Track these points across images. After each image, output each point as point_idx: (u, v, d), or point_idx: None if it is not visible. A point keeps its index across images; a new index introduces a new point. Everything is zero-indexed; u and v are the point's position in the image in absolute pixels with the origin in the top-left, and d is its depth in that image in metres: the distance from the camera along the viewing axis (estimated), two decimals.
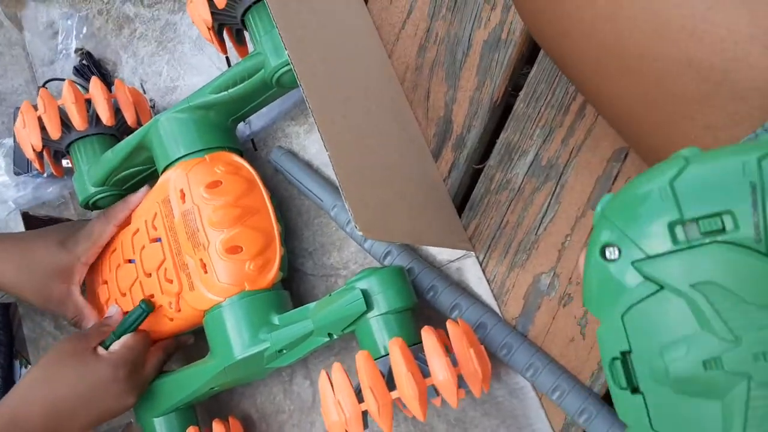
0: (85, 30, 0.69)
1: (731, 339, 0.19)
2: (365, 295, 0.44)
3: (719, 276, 0.20)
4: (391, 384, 0.41)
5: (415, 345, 0.44)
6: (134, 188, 0.56)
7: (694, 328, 0.20)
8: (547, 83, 0.47)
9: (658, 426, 0.21)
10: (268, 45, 0.49)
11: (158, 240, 0.51)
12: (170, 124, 0.52)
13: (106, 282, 0.55)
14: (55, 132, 0.55)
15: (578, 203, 0.45)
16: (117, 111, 0.57)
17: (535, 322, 0.46)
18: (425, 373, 0.41)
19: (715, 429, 0.20)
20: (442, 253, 0.50)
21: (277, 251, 0.50)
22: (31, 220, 0.63)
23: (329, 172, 0.56)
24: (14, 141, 0.63)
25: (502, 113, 0.51)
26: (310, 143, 0.57)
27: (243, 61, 0.51)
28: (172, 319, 0.51)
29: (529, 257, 0.46)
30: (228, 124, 0.54)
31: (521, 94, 0.49)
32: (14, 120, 0.61)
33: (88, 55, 0.68)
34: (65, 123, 0.56)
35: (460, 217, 0.50)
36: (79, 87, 0.60)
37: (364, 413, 0.41)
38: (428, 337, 0.41)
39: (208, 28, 0.52)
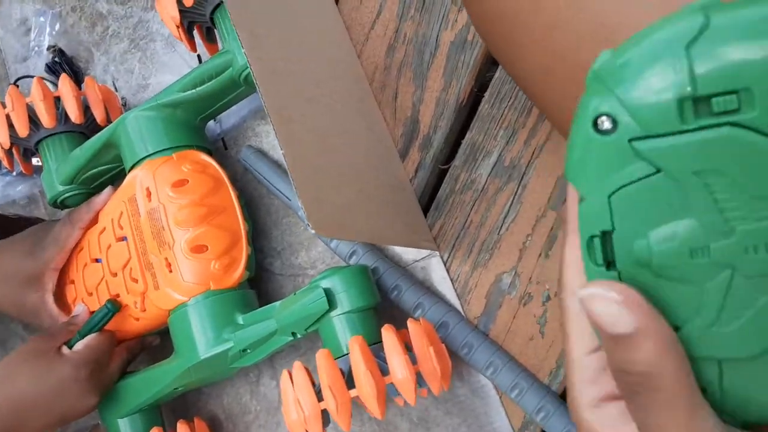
0: (58, 27, 0.69)
1: (724, 230, 0.18)
2: (328, 293, 0.44)
3: (726, 164, 0.18)
4: (351, 382, 0.41)
5: (376, 344, 0.44)
6: (102, 187, 0.56)
7: (687, 216, 0.18)
8: (510, 85, 0.48)
9: None
10: (236, 43, 0.49)
11: (124, 239, 0.51)
12: (138, 122, 0.52)
13: (73, 281, 0.55)
14: (23, 130, 0.55)
15: (539, 204, 0.46)
16: (87, 109, 0.57)
17: (496, 321, 0.46)
18: (384, 371, 0.41)
19: (688, 311, 0.19)
20: (407, 253, 0.50)
21: (244, 250, 0.50)
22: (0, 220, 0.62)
23: None
24: None
25: (467, 114, 0.51)
26: None
27: (211, 59, 0.51)
28: (138, 319, 0.51)
29: (491, 257, 0.47)
30: (196, 123, 0.54)
31: (486, 95, 0.49)
32: None
33: (60, 52, 0.67)
34: (34, 121, 0.56)
35: (426, 216, 0.50)
36: (49, 84, 0.60)
37: (324, 412, 0.41)
38: (388, 335, 0.41)
39: (177, 26, 0.52)
